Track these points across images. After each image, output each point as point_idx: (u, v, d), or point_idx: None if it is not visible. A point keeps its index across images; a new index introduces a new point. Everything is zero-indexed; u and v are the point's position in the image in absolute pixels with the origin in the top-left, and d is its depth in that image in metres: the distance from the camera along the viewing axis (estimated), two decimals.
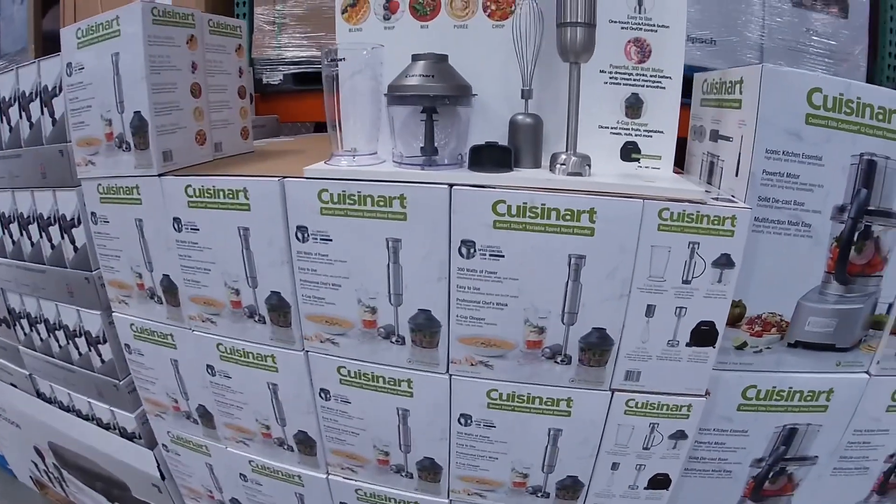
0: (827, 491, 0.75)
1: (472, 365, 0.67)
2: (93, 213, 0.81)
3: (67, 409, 1.06)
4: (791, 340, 0.66)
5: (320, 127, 1.50)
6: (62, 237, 0.91)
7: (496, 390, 0.68)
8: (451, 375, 0.69)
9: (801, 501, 0.75)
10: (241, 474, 0.88)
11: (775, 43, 1.13)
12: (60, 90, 0.84)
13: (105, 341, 0.92)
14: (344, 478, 0.81)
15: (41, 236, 0.95)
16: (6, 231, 1.01)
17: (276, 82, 1.29)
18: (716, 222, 0.57)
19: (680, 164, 0.75)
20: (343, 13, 0.70)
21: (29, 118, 0.90)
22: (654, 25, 0.64)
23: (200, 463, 0.92)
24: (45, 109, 0.87)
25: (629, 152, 0.67)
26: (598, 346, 0.63)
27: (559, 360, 0.65)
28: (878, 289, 0.64)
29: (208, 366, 0.81)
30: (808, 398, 0.68)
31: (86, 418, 1.03)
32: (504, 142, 0.65)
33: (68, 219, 0.89)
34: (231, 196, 0.68)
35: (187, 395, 0.86)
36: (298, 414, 0.78)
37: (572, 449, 0.70)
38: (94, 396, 0.99)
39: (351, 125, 0.66)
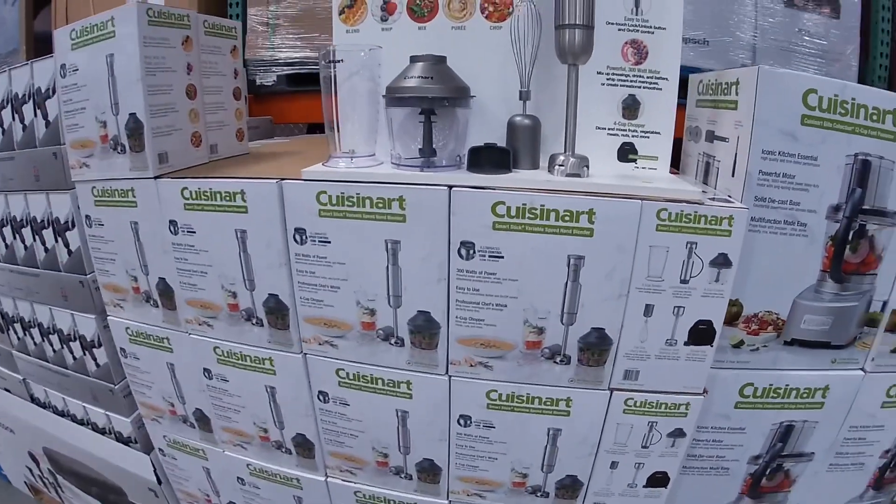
0: (823, 487, 0.75)
1: (471, 366, 0.67)
2: (87, 216, 0.80)
3: (62, 414, 1.05)
4: (787, 338, 0.66)
5: (313, 128, 1.50)
6: (56, 240, 0.90)
7: (496, 391, 0.68)
8: (450, 376, 0.69)
9: (798, 497, 0.76)
10: (238, 478, 0.88)
11: (767, 43, 1.14)
12: (54, 92, 0.83)
13: (100, 345, 0.91)
14: (343, 480, 0.81)
15: (35, 239, 0.94)
16: None
17: (269, 83, 1.29)
18: (713, 222, 0.57)
19: (675, 164, 0.75)
20: (340, 14, 0.70)
21: (22, 120, 0.89)
22: (650, 27, 0.64)
23: (197, 467, 0.92)
24: (39, 111, 0.86)
25: (626, 153, 0.68)
26: (597, 346, 0.64)
27: (558, 360, 0.65)
28: (873, 287, 0.65)
29: (205, 369, 0.80)
30: (805, 395, 0.69)
31: (81, 423, 1.02)
32: (502, 143, 0.65)
33: (62, 222, 0.88)
34: (228, 198, 0.68)
35: (184, 399, 0.86)
36: (297, 417, 0.78)
37: (571, 448, 0.70)
38: (89, 401, 0.98)
39: (349, 127, 0.66)
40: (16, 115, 0.90)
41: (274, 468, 0.84)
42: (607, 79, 0.66)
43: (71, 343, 0.95)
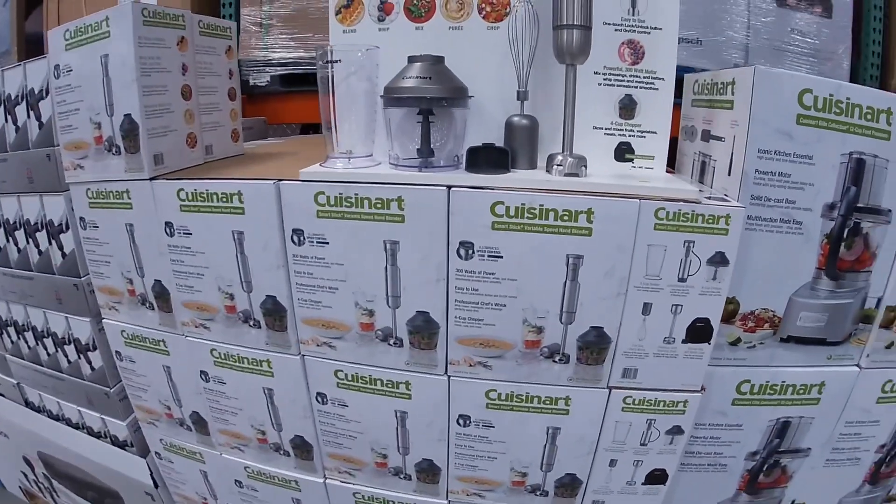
0: (820, 482, 0.76)
1: (470, 366, 0.67)
2: (81, 218, 0.80)
3: (57, 418, 1.04)
4: (783, 335, 0.67)
5: (307, 128, 1.49)
6: (50, 243, 0.89)
7: (495, 390, 0.68)
8: (449, 376, 0.69)
9: (795, 493, 0.77)
10: (236, 481, 0.87)
11: (760, 43, 1.15)
12: (47, 93, 0.82)
13: (95, 348, 0.90)
14: (341, 481, 0.81)
15: (28, 242, 0.93)
16: None
17: (263, 84, 1.28)
18: (710, 221, 0.58)
19: (671, 163, 0.76)
20: (337, 14, 0.70)
21: (15, 122, 0.88)
22: (647, 27, 0.65)
23: (194, 470, 0.91)
24: (32, 113, 0.86)
25: (623, 153, 0.68)
26: (595, 345, 0.64)
27: (557, 359, 0.65)
28: (868, 284, 0.66)
29: (202, 372, 0.80)
30: (801, 391, 0.69)
31: (76, 427, 1.01)
32: (500, 143, 0.65)
33: (56, 224, 0.87)
34: (225, 199, 0.67)
35: (180, 402, 0.85)
36: (295, 418, 0.77)
37: (571, 447, 0.70)
38: (85, 405, 0.98)
39: (346, 127, 0.66)
40: (8, 117, 0.89)
41: (272, 470, 0.83)
42: (604, 79, 0.66)
43: (65, 346, 0.95)
